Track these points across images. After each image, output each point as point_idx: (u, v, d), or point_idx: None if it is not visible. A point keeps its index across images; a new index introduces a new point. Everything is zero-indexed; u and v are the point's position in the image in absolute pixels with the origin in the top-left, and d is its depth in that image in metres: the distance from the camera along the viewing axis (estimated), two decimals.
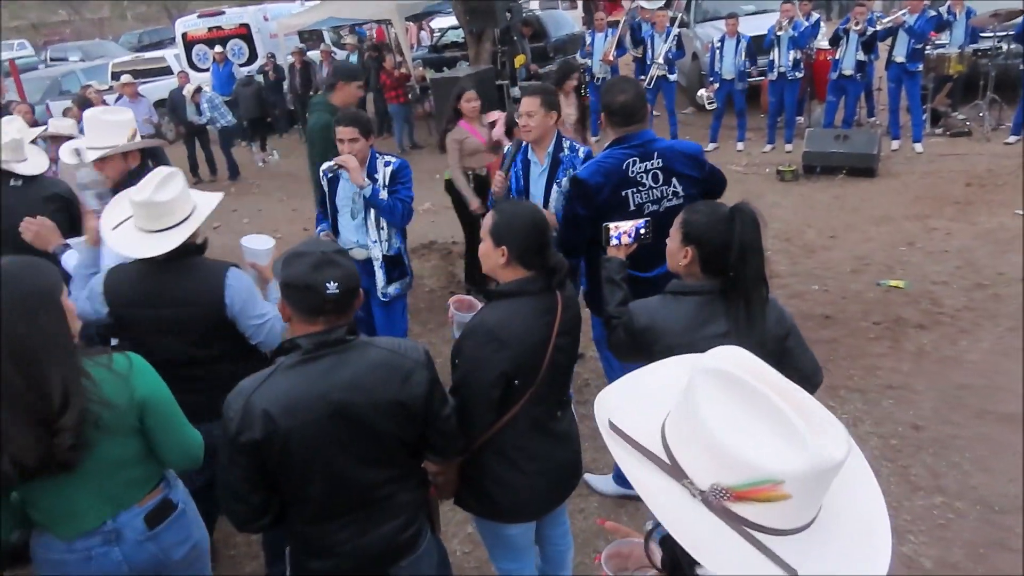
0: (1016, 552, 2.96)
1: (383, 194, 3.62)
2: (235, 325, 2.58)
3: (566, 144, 3.63)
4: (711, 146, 9.72)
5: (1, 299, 1.70)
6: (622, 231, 2.50)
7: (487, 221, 2.22)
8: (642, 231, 2.52)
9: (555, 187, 3.58)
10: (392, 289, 3.84)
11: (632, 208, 2.96)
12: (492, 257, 2.18)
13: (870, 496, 1.01)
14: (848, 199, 7.32)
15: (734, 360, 0.96)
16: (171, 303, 2.51)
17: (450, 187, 5.26)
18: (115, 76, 14.22)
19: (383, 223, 3.73)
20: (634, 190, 2.99)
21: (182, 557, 2.08)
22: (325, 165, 3.73)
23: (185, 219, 2.51)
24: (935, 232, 6.26)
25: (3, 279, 1.73)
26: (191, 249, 2.55)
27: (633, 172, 2.98)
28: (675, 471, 0.93)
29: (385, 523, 1.96)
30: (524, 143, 3.67)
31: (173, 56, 15.31)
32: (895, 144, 8.72)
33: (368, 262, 3.76)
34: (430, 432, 1.99)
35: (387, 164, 3.69)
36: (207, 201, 2.63)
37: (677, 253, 2.13)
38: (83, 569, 1.93)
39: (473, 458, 2.25)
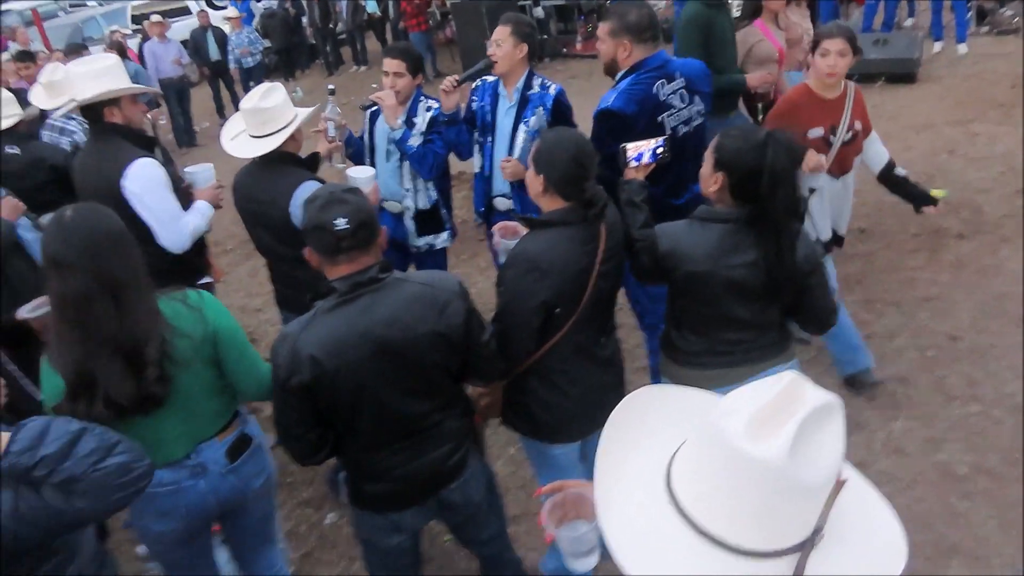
0: None
1: (415, 140, 3.37)
2: None
3: (536, 82, 3.32)
4: None
5: (92, 238, 1.82)
6: (641, 151, 2.42)
7: (533, 147, 2.23)
8: (660, 150, 2.42)
9: (522, 125, 3.30)
10: (422, 242, 3.61)
11: (668, 133, 2.92)
12: (533, 184, 2.21)
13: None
14: (887, 107, 7.07)
15: (748, 416, 0.88)
16: (258, 200, 2.86)
17: None
18: (135, 19, 14.13)
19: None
20: (668, 113, 2.95)
21: (259, 487, 2.24)
22: (365, 100, 3.56)
23: (286, 126, 2.81)
24: (978, 138, 6.05)
25: (85, 221, 1.84)
26: (287, 157, 2.85)
27: (664, 95, 2.94)
28: (806, 545, 0.90)
29: (433, 450, 2.06)
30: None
31: None
32: (937, 46, 8.33)
33: (400, 213, 3.57)
34: (472, 358, 2.06)
35: (429, 109, 3.43)
36: (305, 112, 2.90)
37: (709, 178, 2.11)
38: (173, 500, 2.06)
39: (518, 380, 2.33)
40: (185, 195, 3.06)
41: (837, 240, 3.47)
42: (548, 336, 2.24)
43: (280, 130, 2.80)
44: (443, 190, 3.68)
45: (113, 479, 1.50)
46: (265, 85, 2.90)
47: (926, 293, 4.13)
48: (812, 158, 3.03)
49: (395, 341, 1.87)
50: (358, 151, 3.60)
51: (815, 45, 3.14)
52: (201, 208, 3.05)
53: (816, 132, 3.15)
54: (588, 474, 2.68)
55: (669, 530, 0.93)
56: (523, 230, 2.33)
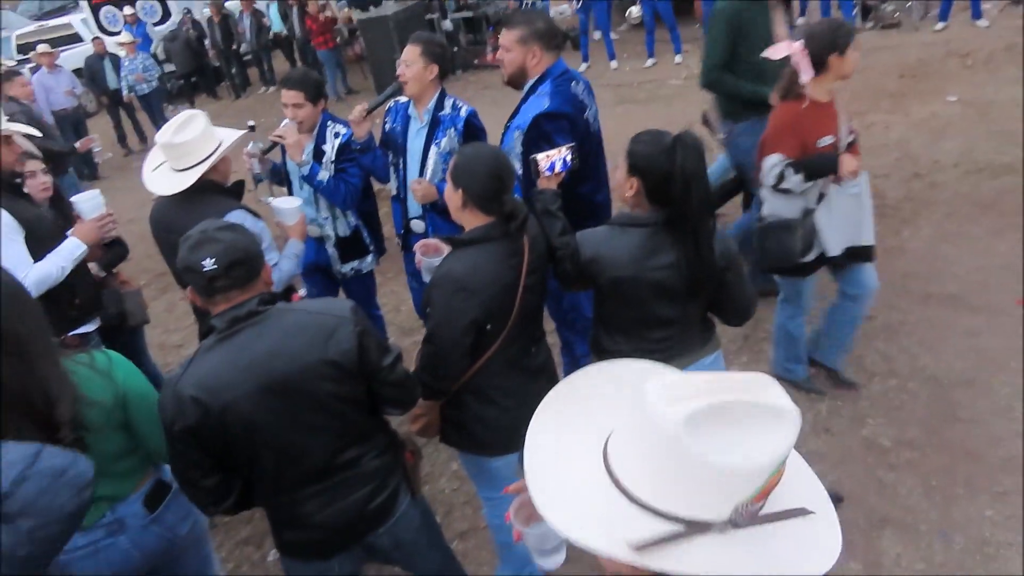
0: (966, 422, 3.17)
1: (324, 173, 3.28)
2: None
3: (448, 103, 3.24)
4: (649, 62, 9.66)
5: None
6: (553, 160, 2.41)
7: (451, 161, 2.21)
8: (570, 157, 2.42)
9: (433, 147, 3.23)
10: (347, 268, 3.55)
11: (592, 131, 2.97)
12: (452, 199, 2.19)
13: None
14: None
15: (673, 394, 0.92)
16: (180, 232, 2.42)
17: None
18: (21, 49, 13.41)
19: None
20: (586, 112, 3.00)
21: (187, 533, 2.10)
22: (263, 143, 3.37)
23: (208, 157, 2.68)
24: (874, 127, 6.39)
25: None
26: (210, 186, 2.73)
27: (581, 95, 2.99)
28: (698, 528, 0.92)
29: (352, 493, 1.96)
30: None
31: (80, 21, 14.44)
32: None
33: (322, 239, 3.49)
34: (376, 386, 1.94)
35: (337, 135, 3.34)
36: (230, 137, 2.78)
37: (624, 184, 2.14)
38: (92, 563, 1.93)
39: (453, 398, 2.32)
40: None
41: (861, 253, 3.17)
42: (480, 353, 2.23)
43: (201, 162, 2.68)
44: (366, 212, 3.60)
45: (49, 483, 1.31)
46: (184, 115, 2.75)
47: None
48: (850, 162, 2.96)
49: (281, 373, 1.77)
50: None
51: (829, 47, 2.88)
52: (65, 249, 2.87)
53: (826, 140, 2.98)
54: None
55: (594, 483, 0.97)
56: (444, 247, 2.32)
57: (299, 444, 1.85)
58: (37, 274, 2.76)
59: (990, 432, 3.10)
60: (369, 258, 3.62)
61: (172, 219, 2.71)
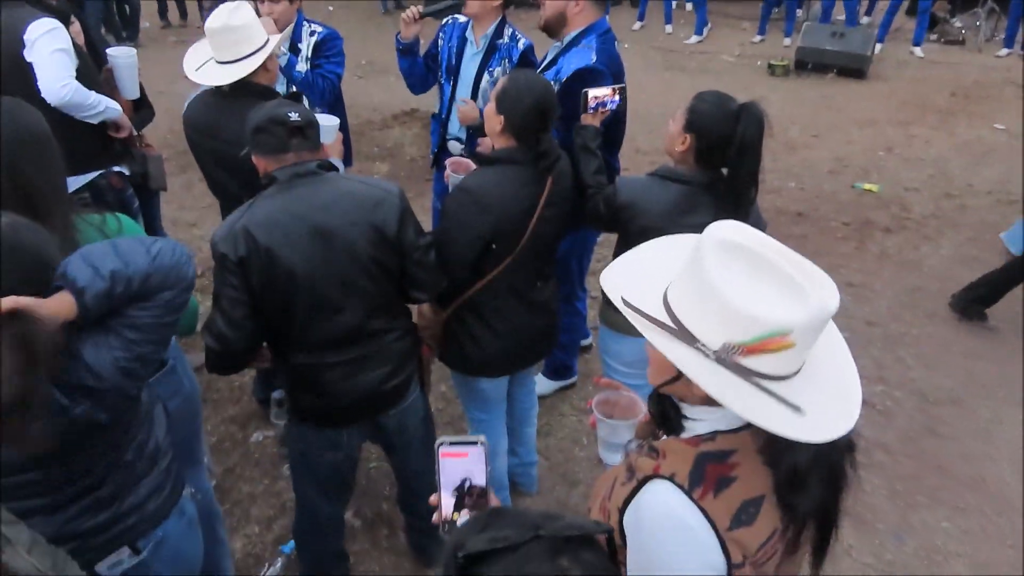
0: (943, 438, 3.24)
1: (301, 66, 3.21)
2: None
3: (507, 31, 3.15)
4: (694, 39, 9.45)
5: (14, 135, 1.59)
6: (603, 99, 2.43)
7: (499, 83, 2.22)
8: (619, 98, 2.46)
9: (486, 74, 3.17)
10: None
11: (622, 98, 2.95)
12: (491, 121, 2.21)
13: (841, 348, 1.11)
14: (836, 99, 7.30)
15: (735, 229, 1.02)
16: (222, 139, 2.49)
17: None
18: None
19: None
20: (624, 79, 2.98)
21: (175, 408, 2.07)
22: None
23: (257, 50, 2.53)
24: (915, 140, 6.33)
25: (8, 116, 1.61)
26: (257, 89, 2.53)
27: (620, 59, 2.96)
28: (685, 335, 1.00)
29: (374, 368, 2.08)
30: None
31: None
32: (878, 47, 8.61)
33: None
34: (409, 264, 2.05)
35: (312, 34, 3.27)
36: (277, 36, 2.66)
37: (676, 138, 2.12)
38: None
39: (454, 315, 2.38)
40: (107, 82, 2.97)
41: None
42: (484, 272, 2.28)
43: (253, 53, 2.52)
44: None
45: (172, 256, 1.42)
46: (230, 4, 2.58)
47: (850, 279, 4.34)
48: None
49: (330, 225, 1.90)
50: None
51: None
52: (106, 99, 2.92)
53: None
54: (516, 411, 2.78)
55: (651, 284, 1.11)
56: (474, 167, 2.35)
57: (333, 299, 1.95)
58: (80, 92, 2.78)
59: (964, 450, 3.17)
60: (341, 167, 3.58)
61: (212, 124, 2.55)
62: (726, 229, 1.02)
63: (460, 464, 1.14)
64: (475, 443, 1.15)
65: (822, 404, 1.01)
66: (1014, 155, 5.87)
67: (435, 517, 1.16)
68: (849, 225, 4.95)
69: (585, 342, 3.76)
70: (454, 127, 3.37)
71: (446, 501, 1.14)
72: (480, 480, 1.14)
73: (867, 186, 5.50)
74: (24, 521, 1.42)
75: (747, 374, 0.98)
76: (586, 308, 3.53)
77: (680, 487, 1.04)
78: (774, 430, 0.96)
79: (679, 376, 1.05)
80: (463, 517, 1.14)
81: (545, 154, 2.19)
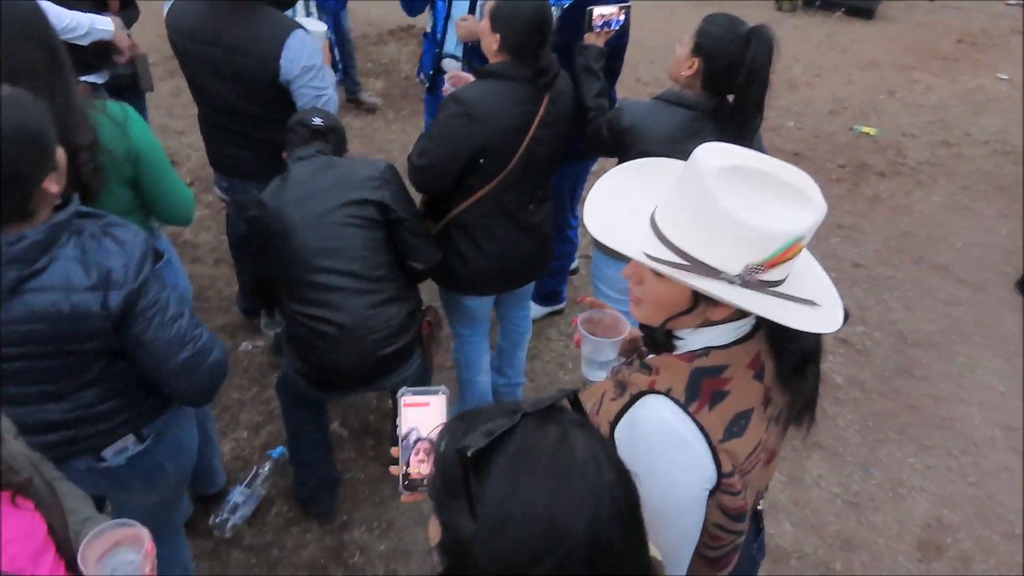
0: (917, 379, 3.33)
1: None
2: (288, 91, 2.44)
3: None
4: None
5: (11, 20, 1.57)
6: (606, 17, 2.37)
7: (491, 2, 2.15)
8: (623, 18, 2.41)
9: None
10: None
11: (625, 28, 2.86)
12: (487, 39, 2.16)
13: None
14: (840, 39, 7.17)
15: (728, 153, 1.02)
16: (227, 47, 2.36)
17: None
18: None
19: (312, 5, 3.36)
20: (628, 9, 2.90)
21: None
22: None
23: None
24: (916, 85, 6.26)
25: None
26: None
27: None
28: (704, 269, 1.01)
29: (369, 333, 2.14)
30: None
31: None
32: None
33: None
34: (403, 234, 2.20)
35: None
36: None
37: (683, 61, 2.08)
38: None
39: (443, 231, 2.38)
40: None
41: None
42: (473, 189, 2.27)
43: None
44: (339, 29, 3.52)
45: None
46: None
47: (841, 221, 4.37)
48: None
49: (332, 191, 2.13)
50: None
51: None
52: (99, 20, 2.78)
53: None
54: (511, 333, 2.81)
55: (636, 221, 1.10)
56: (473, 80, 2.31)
57: (337, 246, 2.11)
58: (53, 12, 2.61)
59: (937, 392, 3.27)
60: (337, 76, 3.54)
61: (206, 28, 2.39)
62: (719, 154, 1.01)
63: (421, 413, 1.13)
64: (436, 392, 1.14)
65: (819, 298, 1.06)
66: (1015, 106, 5.83)
67: (392, 469, 1.12)
68: (844, 167, 4.94)
69: (571, 266, 3.77)
70: (450, 44, 3.27)
71: (404, 452, 1.12)
72: (431, 432, 1.12)
73: (865, 129, 5.46)
74: (33, 406, 1.45)
75: (765, 287, 1.01)
76: (577, 236, 3.54)
77: (676, 401, 1.07)
78: (808, 328, 1.01)
79: (693, 307, 1.07)
80: (417, 467, 1.11)
81: (544, 70, 2.16)
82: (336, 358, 2.14)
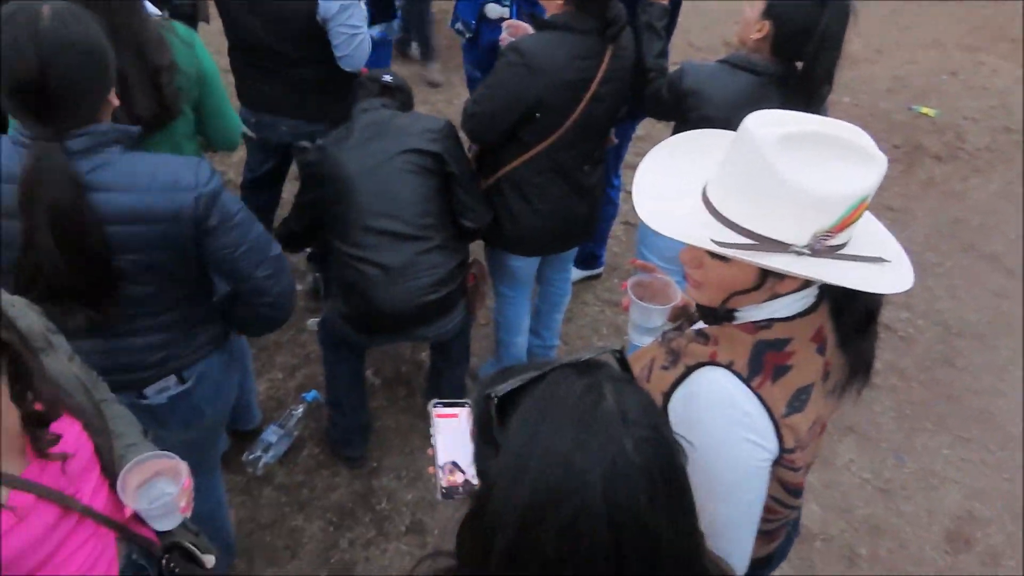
0: (959, 370, 3.26)
1: None
2: (323, 29, 2.43)
3: None
4: None
5: None
6: None
7: None
8: None
9: None
10: (375, 32, 3.25)
11: None
12: None
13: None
14: (905, 15, 6.88)
15: (781, 120, 0.97)
16: None
17: None
18: None
19: None
20: None
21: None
22: None
23: None
24: (982, 67, 6.01)
25: None
26: None
27: None
28: (773, 245, 0.97)
29: (419, 276, 2.16)
30: None
31: None
32: None
33: None
34: (456, 189, 2.24)
35: None
36: None
37: (752, 24, 1.99)
38: None
39: (493, 186, 2.35)
40: None
41: None
42: (528, 145, 2.22)
43: None
44: None
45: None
46: None
47: (891, 203, 4.25)
48: None
49: (393, 141, 2.20)
50: None
51: None
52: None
53: None
54: (549, 295, 2.80)
55: (689, 201, 1.06)
56: (531, 31, 2.25)
57: (391, 191, 2.15)
58: None
59: (977, 384, 3.20)
60: (395, 23, 3.44)
61: None
62: (772, 123, 0.97)
63: (451, 424, 1.16)
64: (464, 404, 1.17)
65: (885, 253, 1.03)
66: None
67: (442, 480, 1.11)
68: (899, 148, 4.79)
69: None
70: None
71: (442, 458, 1.12)
72: (467, 450, 1.12)
73: (924, 110, 5.27)
74: (84, 339, 1.47)
75: (833, 252, 0.98)
76: (619, 198, 3.48)
77: (738, 375, 1.05)
78: (887, 289, 0.99)
79: (761, 283, 1.04)
80: (448, 476, 1.13)
81: (611, 22, 2.09)
82: (380, 301, 2.15)
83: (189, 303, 1.59)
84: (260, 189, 2.94)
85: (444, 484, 1.10)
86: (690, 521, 0.80)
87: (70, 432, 1.12)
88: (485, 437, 0.80)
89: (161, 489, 1.21)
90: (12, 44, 1.24)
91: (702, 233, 1.00)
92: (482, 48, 3.31)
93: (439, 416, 1.16)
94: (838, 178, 0.93)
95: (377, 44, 3.26)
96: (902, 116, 5.19)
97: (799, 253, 0.97)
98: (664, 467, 0.76)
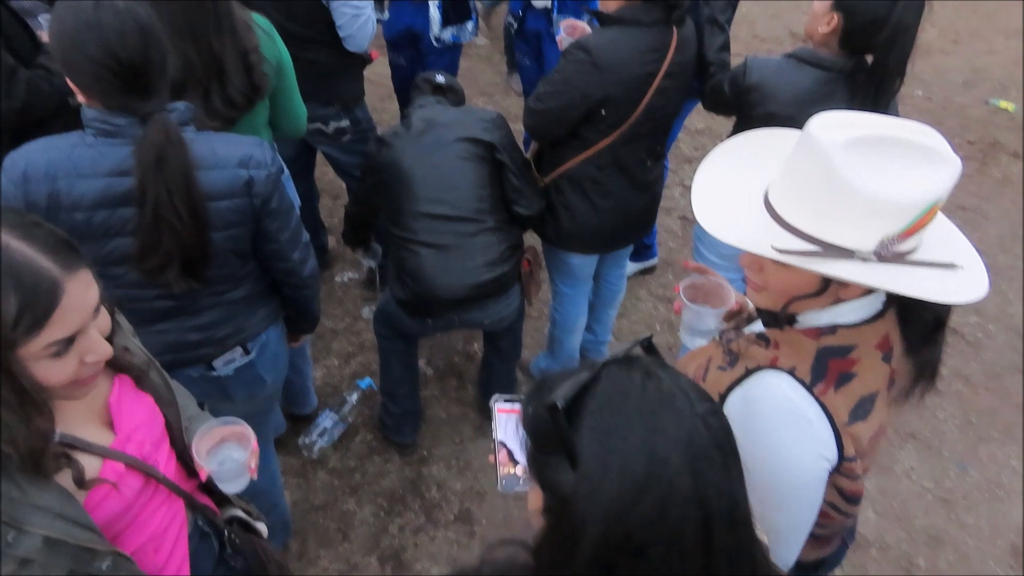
0: None
1: None
2: (328, 9, 2.50)
3: None
4: None
5: None
6: None
7: None
8: None
9: None
10: (447, 35, 3.25)
11: None
12: None
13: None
14: (986, 3, 6.57)
15: (846, 123, 0.95)
16: None
17: None
18: None
19: None
20: None
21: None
22: None
23: None
24: None
25: None
26: None
27: None
28: (838, 252, 0.95)
29: (473, 256, 2.21)
30: None
31: None
32: None
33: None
34: (508, 176, 2.28)
35: None
36: None
37: (821, 17, 1.93)
38: None
39: (553, 184, 2.34)
40: None
41: None
42: (590, 142, 2.21)
43: None
44: None
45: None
46: None
47: (964, 202, 4.07)
48: None
49: (445, 129, 2.28)
50: None
51: None
52: None
53: None
54: (603, 291, 2.78)
55: (751, 207, 1.04)
56: (590, 31, 2.24)
57: (445, 177, 2.21)
58: None
59: None
60: (470, 25, 3.33)
61: None
62: (838, 126, 0.94)
63: (512, 420, 1.18)
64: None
65: (958, 259, 1.00)
66: None
67: (500, 471, 1.16)
68: (974, 144, 4.58)
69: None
70: None
71: (503, 456, 1.16)
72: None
73: (1003, 104, 5.03)
74: (162, 320, 1.55)
75: (901, 258, 0.95)
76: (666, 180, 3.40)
77: (800, 381, 1.03)
78: (957, 300, 0.95)
79: (823, 289, 1.02)
80: (518, 470, 1.17)
81: (677, 4, 2.04)
82: (434, 281, 2.19)
83: (252, 280, 1.68)
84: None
85: (504, 475, 1.13)
86: (745, 488, 0.82)
87: (146, 405, 1.18)
88: (550, 449, 0.78)
89: (230, 453, 1.27)
90: (116, 28, 1.28)
91: (763, 238, 0.98)
92: (526, 35, 3.32)
93: (501, 411, 1.19)
94: (907, 182, 0.90)
95: (448, 48, 3.32)
96: (979, 111, 4.97)
97: (864, 259, 0.94)
98: (729, 435, 0.79)
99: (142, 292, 1.50)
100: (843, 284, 1.00)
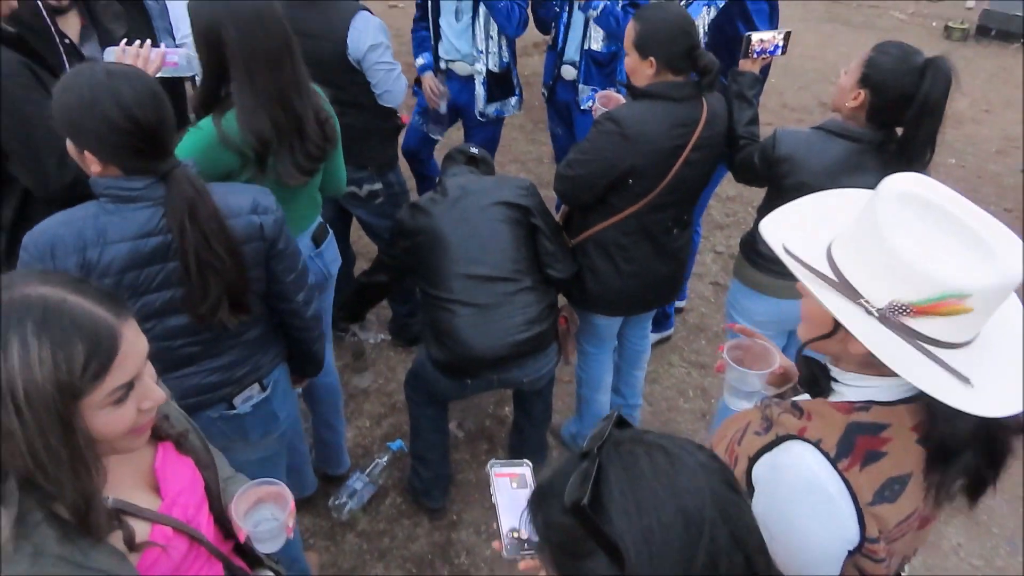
0: None
1: None
2: (358, 71, 2.61)
3: None
4: None
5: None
6: (765, 44, 2.30)
7: (629, 32, 2.14)
8: (783, 45, 2.34)
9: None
10: (492, 110, 3.39)
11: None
12: (640, 70, 2.14)
13: (1018, 320, 1.01)
14: (1016, 72, 6.61)
15: (916, 181, 0.95)
16: (304, 34, 2.46)
17: None
18: None
19: (493, 30, 3.20)
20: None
21: (335, 274, 2.37)
22: None
23: None
24: None
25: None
26: None
27: None
28: (847, 289, 0.95)
29: (509, 317, 2.23)
30: None
31: None
32: None
33: (469, 77, 3.31)
34: (543, 240, 2.33)
35: None
36: None
37: (848, 92, 1.97)
38: None
39: (579, 247, 2.39)
40: None
41: None
42: (617, 209, 2.25)
43: None
44: (514, 52, 3.41)
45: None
46: None
47: None
48: None
49: (480, 197, 2.34)
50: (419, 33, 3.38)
51: None
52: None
53: None
54: (626, 352, 2.78)
55: (810, 249, 1.05)
56: (623, 101, 2.30)
57: (482, 239, 2.27)
58: None
59: None
60: (513, 100, 3.45)
61: (294, 16, 2.37)
62: (907, 180, 0.94)
63: (511, 484, 1.19)
64: (522, 464, 1.21)
65: (994, 377, 0.93)
66: None
67: (495, 544, 1.15)
68: (1011, 212, 4.54)
69: (679, 304, 3.64)
70: (570, 50, 3.24)
71: (505, 522, 1.14)
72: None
73: None
74: (188, 365, 1.63)
75: (912, 336, 0.92)
76: (697, 248, 3.42)
77: (825, 454, 1.01)
78: (940, 397, 0.90)
79: (833, 332, 1.01)
80: (521, 534, 1.14)
81: (707, 69, 2.11)
82: (473, 340, 2.20)
83: (265, 319, 1.75)
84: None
85: (508, 541, 1.12)
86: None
87: (187, 468, 1.20)
88: (582, 552, 0.76)
89: (267, 513, 1.28)
90: (131, 92, 1.37)
91: (778, 241, 1.03)
92: (557, 105, 3.43)
93: (498, 475, 1.19)
94: (938, 259, 0.87)
95: (492, 121, 3.47)
96: (1013, 179, 4.94)
97: (869, 312, 0.93)
98: (728, 470, 0.80)
99: (169, 343, 1.59)
100: (851, 337, 0.97)
